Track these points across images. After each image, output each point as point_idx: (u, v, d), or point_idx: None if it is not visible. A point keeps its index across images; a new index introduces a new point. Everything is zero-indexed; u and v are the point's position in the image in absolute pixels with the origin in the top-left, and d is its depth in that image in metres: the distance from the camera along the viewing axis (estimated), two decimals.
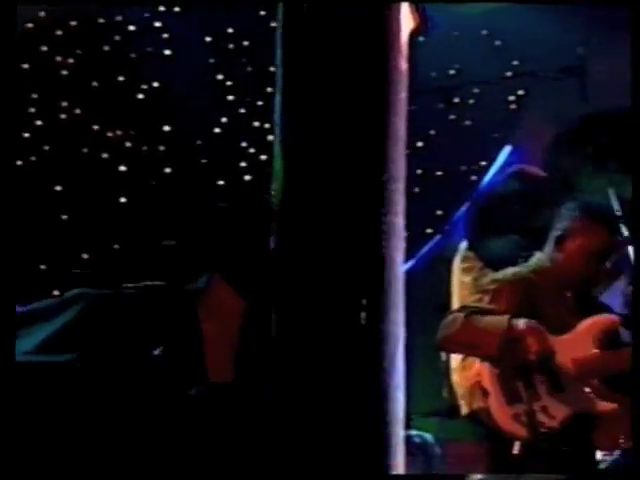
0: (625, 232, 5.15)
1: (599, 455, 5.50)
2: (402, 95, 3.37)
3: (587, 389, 4.87)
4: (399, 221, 3.33)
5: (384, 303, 3.23)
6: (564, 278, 5.07)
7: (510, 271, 5.10)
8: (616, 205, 5.46)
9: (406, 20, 3.47)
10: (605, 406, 4.90)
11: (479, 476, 3.67)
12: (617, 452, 5.51)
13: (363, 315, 3.16)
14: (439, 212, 6.68)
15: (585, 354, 4.86)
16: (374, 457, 3.13)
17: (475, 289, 5.15)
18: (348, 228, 3.23)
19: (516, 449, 4.61)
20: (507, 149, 6.58)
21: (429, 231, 6.43)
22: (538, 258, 5.17)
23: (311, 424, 3.10)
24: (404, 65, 3.40)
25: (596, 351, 4.89)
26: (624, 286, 5.63)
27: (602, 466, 5.37)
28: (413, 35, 3.55)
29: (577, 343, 4.88)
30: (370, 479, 3.10)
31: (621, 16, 6.90)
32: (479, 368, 4.87)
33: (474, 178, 6.94)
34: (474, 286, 5.23)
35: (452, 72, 6.54)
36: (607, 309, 5.29)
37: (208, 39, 7.40)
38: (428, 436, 5.95)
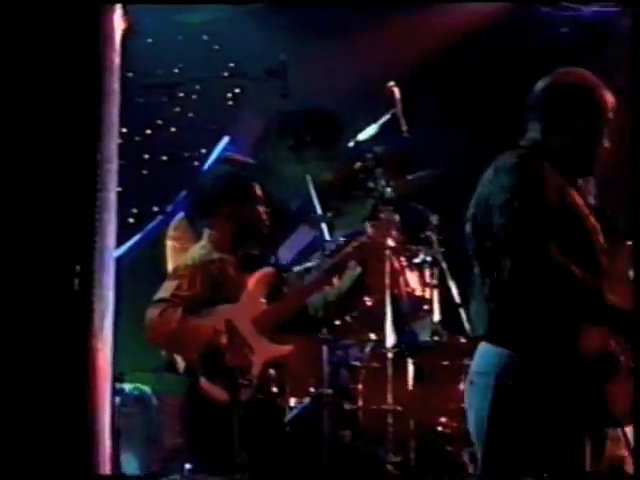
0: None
1: (292, 402, 5.54)
2: (115, 86, 3.34)
3: (265, 339, 4.88)
4: (111, 197, 3.29)
5: (96, 269, 3.17)
6: (229, 246, 5.08)
7: (196, 254, 5.03)
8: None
9: (119, 21, 3.41)
10: (282, 350, 4.92)
11: None
12: (306, 399, 5.58)
13: (76, 280, 3.11)
14: (164, 193, 6.54)
15: (258, 310, 4.87)
16: (79, 409, 3.08)
17: (180, 257, 5.07)
18: (65, 201, 3.17)
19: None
20: (225, 139, 6.57)
21: (155, 209, 6.31)
22: (207, 233, 5.17)
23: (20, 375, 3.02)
24: (117, 60, 3.35)
25: (263, 302, 4.90)
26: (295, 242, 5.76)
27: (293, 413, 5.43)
28: (125, 35, 3.47)
29: (251, 303, 4.87)
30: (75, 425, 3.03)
31: (324, 24, 7.00)
32: None
33: (196, 164, 6.90)
34: (181, 253, 5.16)
35: (176, 70, 6.41)
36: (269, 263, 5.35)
37: None
38: (146, 389, 5.86)
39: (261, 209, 5.16)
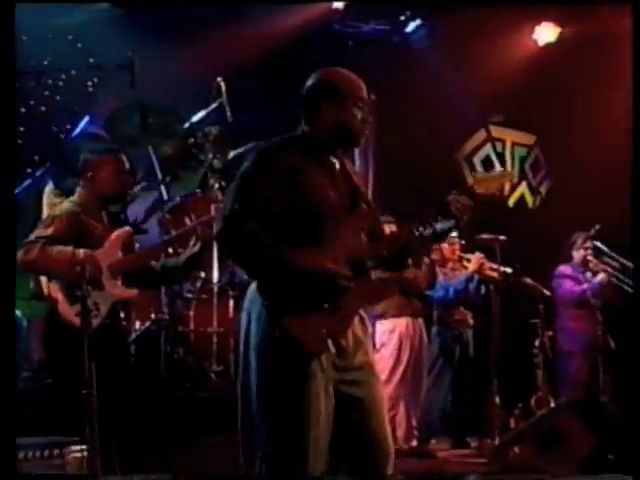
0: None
1: (137, 325, 5.54)
2: None
3: (116, 282, 4.83)
4: None
5: None
6: (94, 204, 4.95)
7: (64, 206, 4.93)
8: None
9: None
10: (129, 292, 4.87)
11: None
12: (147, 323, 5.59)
13: None
14: (35, 160, 6.43)
15: (113, 259, 4.81)
16: None
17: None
18: None
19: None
20: (86, 118, 6.52)
21: (29, 171, 6.19)
22: (78, 191, 4.98)
23: None
24: None
25: (119, 254, 4.82)
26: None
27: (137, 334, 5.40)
28: None
29: (109, 252, 4.83)
30: None
31: (167, 30, 7.06)
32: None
33: (62, 136, 6.83)
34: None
35: (45, 62, 6.30)
36: (129, 224, 5.27)
37: None
38: (18, 313, 5.69)
39: (124, 178, 5.05)
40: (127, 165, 5.02)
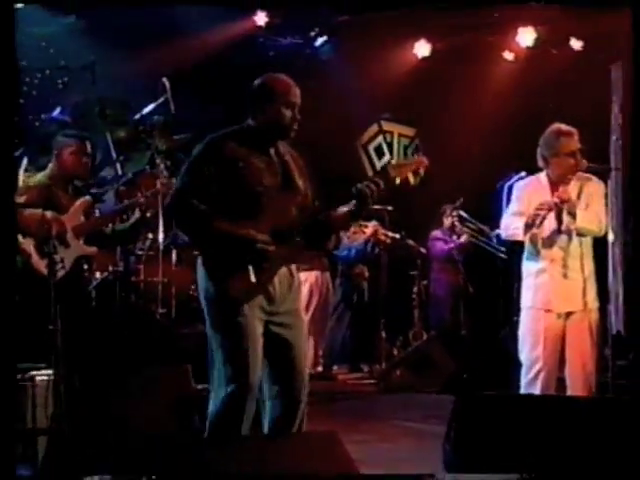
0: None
1: (97, 275, 5.44)
2: None
3: (79, 241, 4.73)
4: None
5: None
6: (61, 178, 4.83)
7: (37, 178, 4.82)
8: None
9: None
10: (89, 249, 4.77)
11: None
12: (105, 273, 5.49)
13: None
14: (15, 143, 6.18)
15: (76, 222, 4.71)
16: None
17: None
18: None
19: None
20: (57, 109, 6.35)
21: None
22: (49, 166, 4.85)
23: None
24: None
25: (82, 218, 4.72)
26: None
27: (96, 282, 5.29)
28: None
29: (73, 216, 4.73)
30: None
31: (123, 37, 6.92)
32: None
33: (37, 124, 6.57)
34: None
35: (23, 63, 6.10)
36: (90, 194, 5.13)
37: None
38: None
39: (85, 160, 4.91)
40: (89, 149, 4.88)
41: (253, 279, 3.30)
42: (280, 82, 3.48)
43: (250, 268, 3.29)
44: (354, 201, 3.42)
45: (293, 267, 3.48)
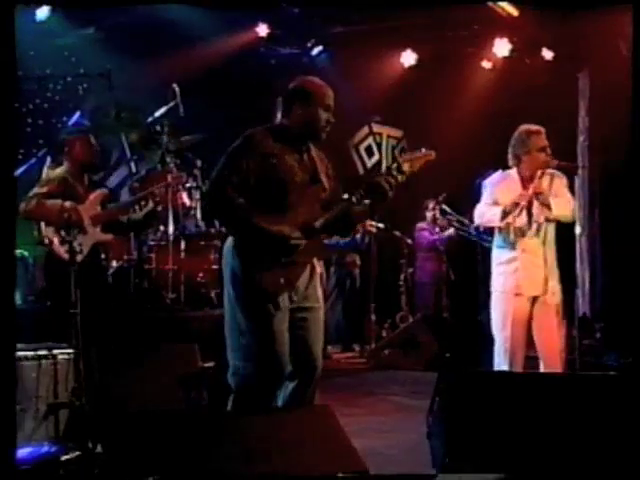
0: None
1: (114, 263, 5.40)
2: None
3: (96, 229, 4.71)
4: None
5: None
6: (76, 169, 4.74)
7: (56, 172, 4.74)
8: None
9: None
10: (106, 237, 4.76)
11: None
12: (121, 262, 5.41)
13: None
14: (40, 143, 6.18)
15: (94, 212, 4.70)
16: None
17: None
18: None
19: None
20: (77, 113, 6.27)
21: (34, 151, 5.94)
22: (64, 162, 4.79)
23: None
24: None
25: (98, 208, 4.70)
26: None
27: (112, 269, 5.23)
28: None
29: (90, 206, 4.70)
30: None
31: (137, 48, 6.90)
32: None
33: (59, 126, 6.52)
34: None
35: (48, 71, 6.05)
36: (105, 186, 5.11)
37: None
38: (26, 253, 5.46)
39: (92, 150, 4.80)
40: (93, 141, 4.82)
41: (287, 272, 3.22)
42: (317, 85, 3.36)
43: (282, 262, 3.20)
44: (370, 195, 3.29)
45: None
